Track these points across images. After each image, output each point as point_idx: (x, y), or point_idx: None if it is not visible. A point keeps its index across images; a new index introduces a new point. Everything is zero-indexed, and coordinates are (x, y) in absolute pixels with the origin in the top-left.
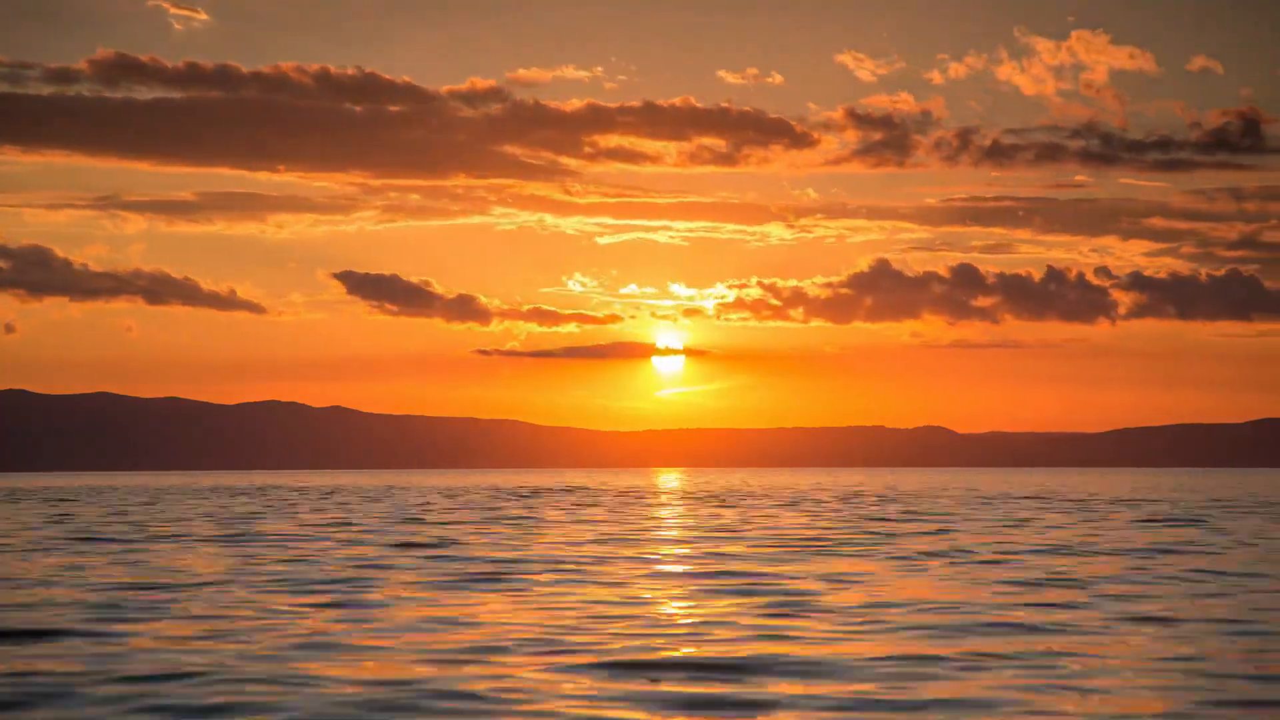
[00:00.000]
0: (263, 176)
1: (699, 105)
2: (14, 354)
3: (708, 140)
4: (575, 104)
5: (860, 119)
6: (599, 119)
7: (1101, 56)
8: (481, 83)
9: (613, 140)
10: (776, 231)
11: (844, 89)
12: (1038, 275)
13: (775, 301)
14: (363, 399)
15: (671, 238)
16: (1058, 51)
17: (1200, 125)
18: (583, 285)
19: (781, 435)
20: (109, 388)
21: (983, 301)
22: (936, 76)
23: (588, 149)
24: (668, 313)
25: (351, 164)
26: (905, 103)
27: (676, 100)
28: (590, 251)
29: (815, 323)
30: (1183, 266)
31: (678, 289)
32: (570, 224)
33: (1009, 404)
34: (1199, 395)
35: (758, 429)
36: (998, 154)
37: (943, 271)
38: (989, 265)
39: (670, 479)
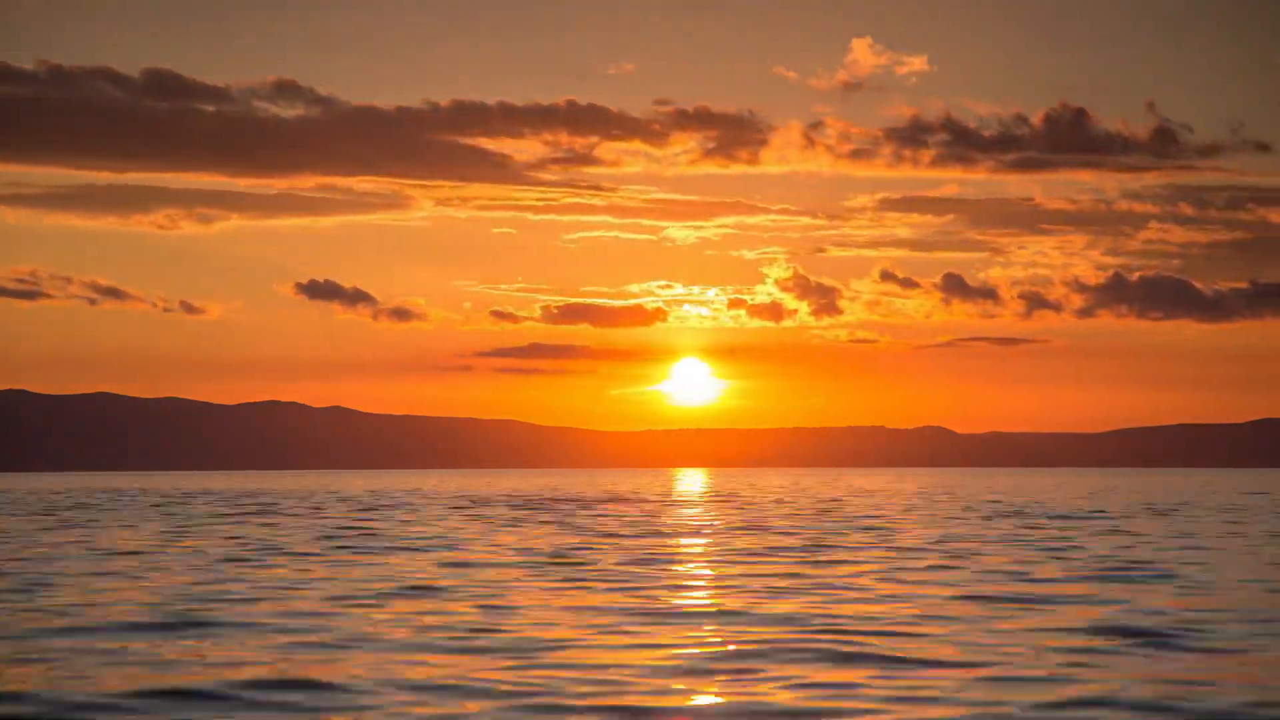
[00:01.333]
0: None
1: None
2: None
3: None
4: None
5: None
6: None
7: None
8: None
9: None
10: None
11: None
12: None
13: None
14: (363, 399)
15: (673, 237)
16: None
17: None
18: (589, 286)
19: (781, 435)
20: (109, 388)
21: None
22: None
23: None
24: (668, 312)
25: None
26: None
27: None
28: (606, 250)
29: (815, 321)
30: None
31: (677, 289)
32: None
33: (1009, 404)
34: (1199, 395)
35: (758, 429)
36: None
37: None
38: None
39: (694, 481)
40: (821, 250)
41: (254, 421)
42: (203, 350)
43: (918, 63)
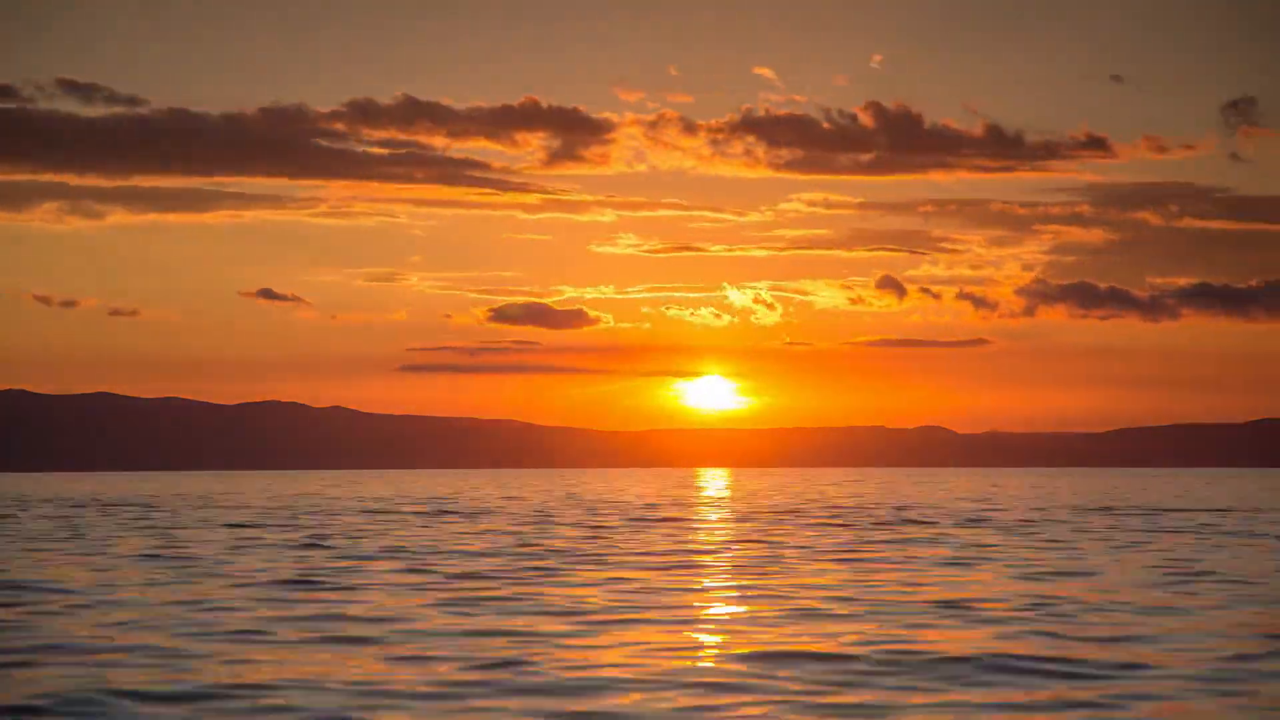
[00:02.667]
0: None
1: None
2: None
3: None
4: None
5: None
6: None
7: None
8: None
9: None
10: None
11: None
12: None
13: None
14: (363, 399)
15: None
16: None
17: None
18: (592, 286)
19: (781, 435)
20: (109, 388)
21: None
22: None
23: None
24: (668, 311)
25: None
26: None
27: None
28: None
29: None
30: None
31: (677, 288)
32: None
33: (1009, 404)
34: (1199, 395)
35: (757, 429)
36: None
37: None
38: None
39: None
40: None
41: (254, 421)
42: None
43: None
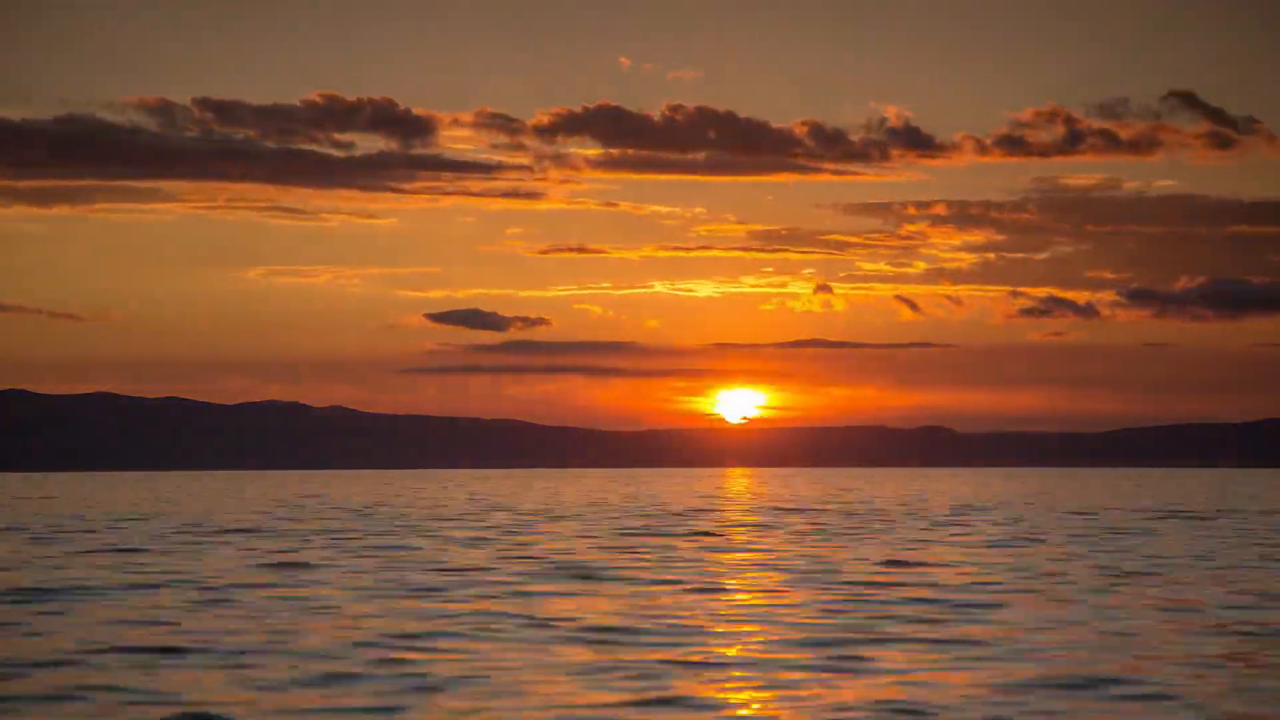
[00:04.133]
0: None
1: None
2: None
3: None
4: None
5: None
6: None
7: None
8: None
9: None
10: None
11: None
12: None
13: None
14: (363, 399)
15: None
16: None
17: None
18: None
19: (781, 435)
20: (109, 387)
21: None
22: None
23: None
24: (666, 311)
25: None
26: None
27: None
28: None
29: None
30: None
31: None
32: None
33: (1009, 404)
34: (1199, 395)
35: (757, 428)
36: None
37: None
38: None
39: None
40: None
41: (254, 421)
42: (199, 349)
43: None
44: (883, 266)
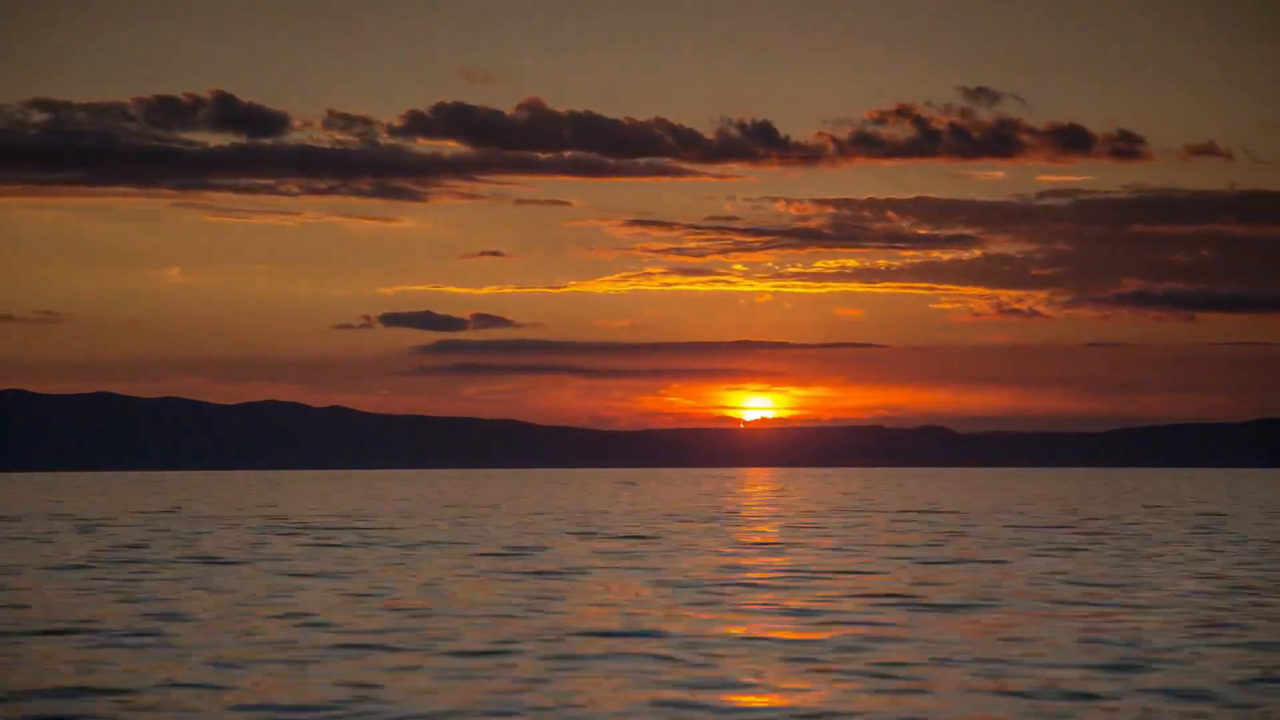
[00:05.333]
0: None
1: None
2: None
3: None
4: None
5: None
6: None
7: None
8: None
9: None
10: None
11: None
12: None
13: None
14: (363, 399)
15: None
16: None
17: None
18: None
19: (780, 435)
20: (109, 387)
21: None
22: None
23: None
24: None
25: None
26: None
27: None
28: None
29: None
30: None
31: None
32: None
33: (1009, 404)
34: (1199, 395)
35: (756, 428)
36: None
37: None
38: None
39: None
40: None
41: (254, 421)
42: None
43: None
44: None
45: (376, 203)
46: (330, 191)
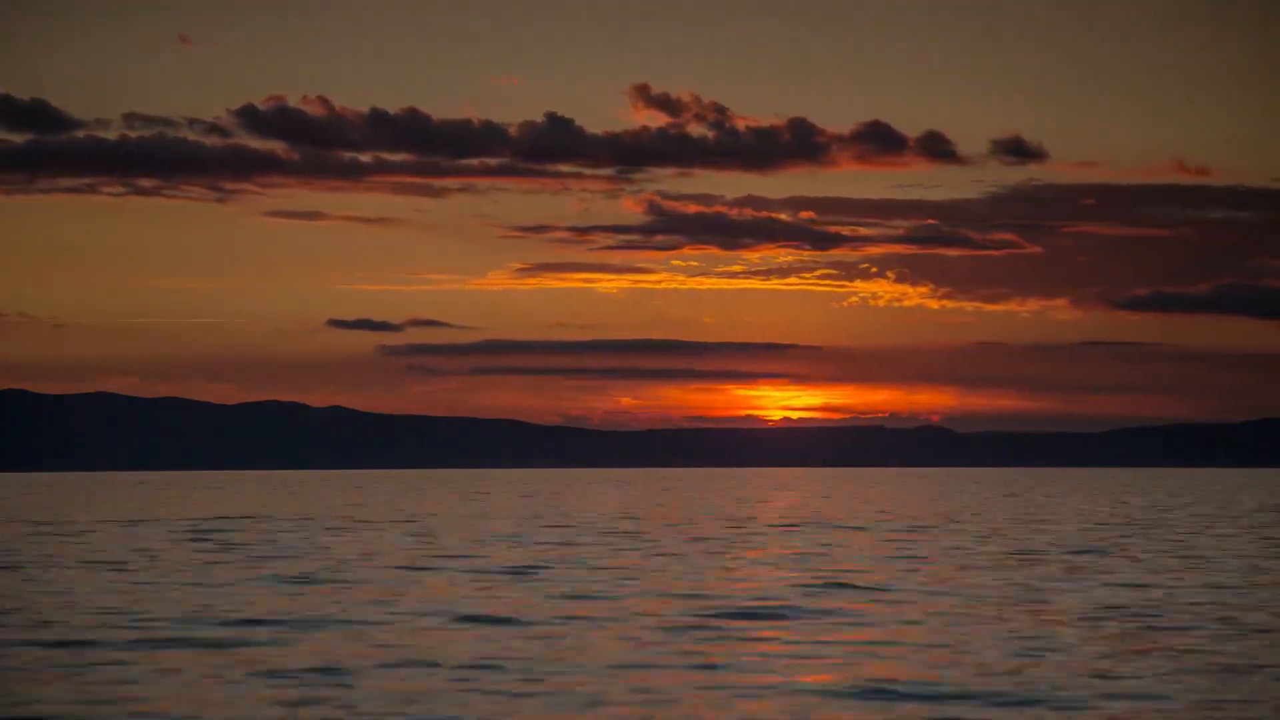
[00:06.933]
0: None
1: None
2: None
3: None
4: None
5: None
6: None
7: None
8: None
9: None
10: None
11: None
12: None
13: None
14: (363, 399)
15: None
16: None
17: None
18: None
19: (779, 435)
20: (109, 387)
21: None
22: None
23: None
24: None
25: None
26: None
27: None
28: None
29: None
30: None
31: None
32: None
33: (1009, 404)
34: (1199, 395)
35: (755, 428)
36: None
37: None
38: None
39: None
40: None
41: (254, 421)
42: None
43: None
44: None
45: None
46: None
